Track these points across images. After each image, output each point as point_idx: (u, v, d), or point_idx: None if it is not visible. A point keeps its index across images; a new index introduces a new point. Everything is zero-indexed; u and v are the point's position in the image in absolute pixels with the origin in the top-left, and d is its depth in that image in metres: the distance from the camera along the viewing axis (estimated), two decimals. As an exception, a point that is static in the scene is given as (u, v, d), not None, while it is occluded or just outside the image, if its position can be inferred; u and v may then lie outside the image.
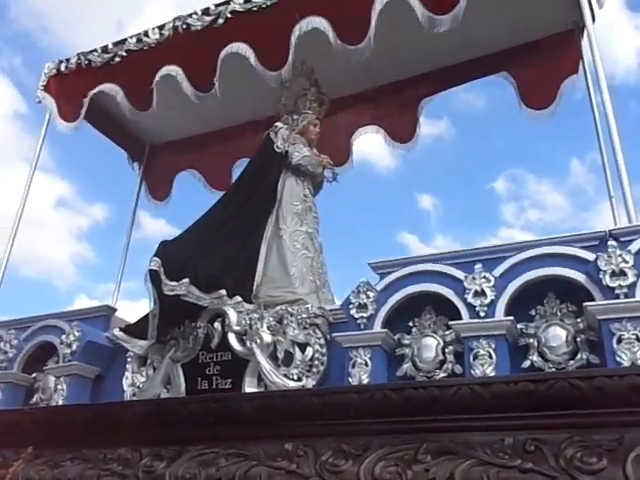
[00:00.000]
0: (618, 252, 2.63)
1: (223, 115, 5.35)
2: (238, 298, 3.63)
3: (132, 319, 4.04)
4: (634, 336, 2.47)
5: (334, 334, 3.21)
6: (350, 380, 2.99)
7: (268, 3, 4.20)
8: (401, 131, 5.13)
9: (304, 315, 3.42)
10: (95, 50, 4.81)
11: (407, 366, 3.04)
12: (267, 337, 3.44)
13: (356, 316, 3.10)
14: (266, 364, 3.36)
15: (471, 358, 2.79)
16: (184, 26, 4.46)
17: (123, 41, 4.71)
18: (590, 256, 2.73)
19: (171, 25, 4.52)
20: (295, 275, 3.88)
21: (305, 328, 3.40)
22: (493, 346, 2.77)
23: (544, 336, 2.80)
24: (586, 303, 2.64)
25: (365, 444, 2.52)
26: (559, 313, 2.84)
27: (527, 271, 2.86)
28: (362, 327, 3.08)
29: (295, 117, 4.43)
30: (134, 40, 4.65)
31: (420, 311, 3.13)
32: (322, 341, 3.34)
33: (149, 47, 4.57)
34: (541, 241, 2.95)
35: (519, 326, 2.87)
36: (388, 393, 2.51)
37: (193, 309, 3.62)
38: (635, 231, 2.77)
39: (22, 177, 4.94)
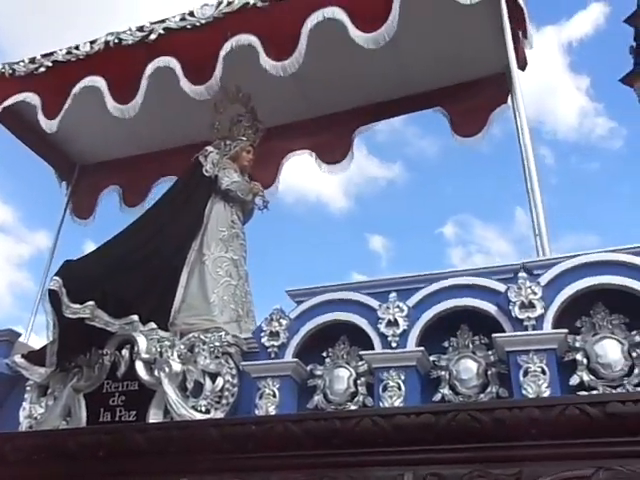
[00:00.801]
0: (528, 284, 2.61)
1: (157, 138, 5.25)
2: (152, 325, 3.45)
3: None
4: (540, 369, 2.43)
5: (243, 363, 3.07)
6: (257, 412, 2.83)
7: (203, 22, 4.16)
8: (334, 155, 5.11)
9: (217, 343, 3.27)
10: (22, 60, 4.66)
11: (318, 398, 2.91)
12: (177, 366, 3.26)
13: (267, 345, 2.97)
14: (173, 395, 3.17)
15: (380, 390, 2.69)
16: (116, 40, 4.37)
17: (52, 53, 4.59)
18: (501, 287, 2.71)
19: (103, 40, 4.43)
20: (215, 302, 3.73)
21: (217, 357, 3.24)
22: (403, 377, 2.69)
23: (455, 369, 2.72)
24: (495, 334, 2.60)
25: (263, 479, 2.37)
26: (471, 345, 2.78)
27: (440, 301, 2.81)
28: (273, 356, 2.95)
29: (228, 142, 4.36)
30: (63, 52, 4.52)
31: (335, 341, 3.02)
32: (234, 371, 3.18)
33: (77, 59, 4.45)
34: (456, 272, 2.92)
35: (432, 358, 2.79)
36: (288, 425, 2.39)
37: (100, 335, 3.41)
38: (547, 264, 2.77)
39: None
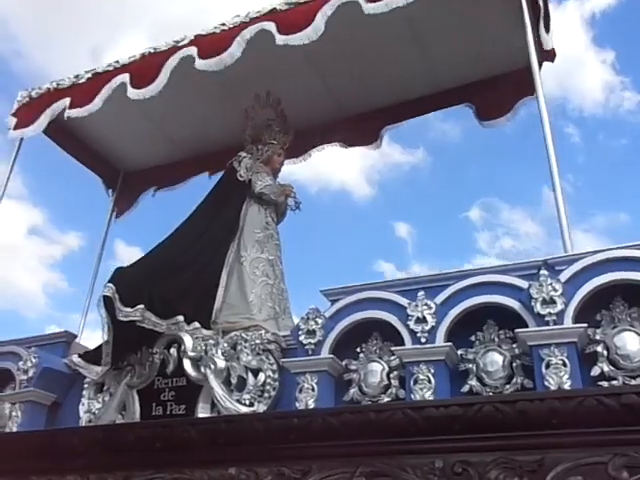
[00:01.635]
0: (549, 281, 2.75)
1: (197, 142, 5.47)
2: (196, 324, 3.69)
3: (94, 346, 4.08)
4: (561, 361, 2.57)
5: (283, 360, 3.28)
6: (297, 405, 3.05)
7: (230, 26, 4.32)
8: (361, 139, 5.25)
9: (257, 341, 3.49)
10: (68, 77, 4.93)
11: (354, 391, 3.11)
12: (221, 363, 3.49)
13: (304, 342, 3.18)
14: (219, 390, 3.41)
15: (412, 383, 2.87)
16: (151, 50, 4.57)
17: (94, 68, 4.84)
18: (524, 284, 2.85)
19: (142, 52, 4.65)
20: (254, 302, 3.96)
21: (258, 354, 3.46)
22: (432, 371, 2.86)
23: (482, 361, 2.89)
24: (518, 330, 2.74)
25: (304, 468, 2.59)
26: (497, 339, 2.94)
27: (467, 298, 2.96)
28: (310, 353, 3.16)
29: (260, 147, 4.55)
30: (104, 65, 4.77)
31: (368, 337, 3.21)
32: (274, 367, 3.40)
33: (114, 68, 4.68)
34: (481, 269, 3.07)
35: (459, 352, 2.96)
36: (327, 417, 2.59)
37: (149, 335, 3.67)
38: (568, 261, 2.89)
39: (-9, 206, 4.96)
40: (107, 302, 3.58)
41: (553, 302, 2.69)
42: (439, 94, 4.92)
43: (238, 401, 3.37)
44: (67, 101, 4.62)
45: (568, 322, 2.64)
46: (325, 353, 3.14)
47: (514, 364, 2.84)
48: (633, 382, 2.49)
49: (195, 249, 4.05)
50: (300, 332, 3.22)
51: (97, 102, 4.40)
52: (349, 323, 3.17)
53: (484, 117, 4.85)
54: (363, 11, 3.69)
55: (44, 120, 4.65)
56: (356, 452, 2.51)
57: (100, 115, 4.61)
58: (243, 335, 3.56)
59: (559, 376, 2.53)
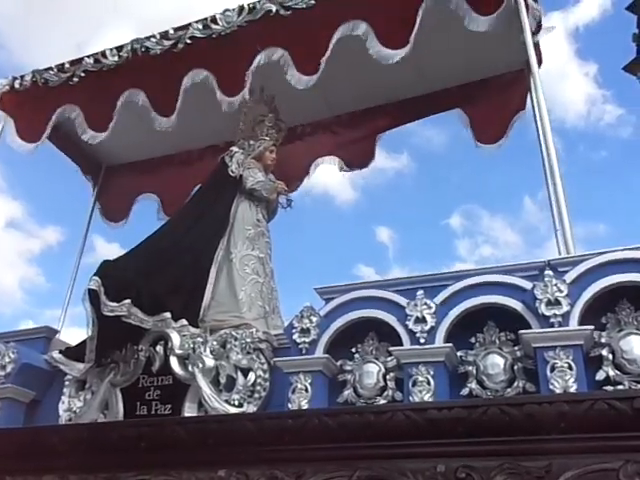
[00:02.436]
0: (554, 281, 2.68)
1: (182, 138, 5.33)
2: (184, 321, 3.56)
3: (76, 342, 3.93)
4: (566, 364, 2.50)
5: (276, 359, 3.17)
6: (290, 406, 2.93)
7: (228, 31, 4.25)
8: (357, 160, 5.20)
9: (248, 339, 3.37)
10: (51, 68, 4.76)
11: (348, 392, 3.00)
12: (210, 361, 3.37)
13: (298, 341, 3.07)
14: (207, 389, 3.29)
15: (410, 385, 2.78)
16: (142, 49, 4.47)
17: (80, 60, 4.68)
18: (527, 285, 2.77)
19: (129, 47, 4.53)
20: (243, 300, 3.84)
21: (249, 353, 3.35)
22: (432, 373, 2.77)
23: (482, 364, 2.80)
24: (522, 331, 2.67)
25: (298, 471, 2.49)
26: (498, 341, 2.85)
27: (467, 299, 2.88)
28: (304, 352, 3.05)
29: (252, 142, 4.44)
30: (91, 60, 4.63)
31: (363, 337, 3.11)
32: (265, 366, 3.29)
33: (108, 69, 4.56)
34: (482, 270, 2.99)
35: (459, 353, 2.87)
36: (323, 419, 2.49)
37: (135, 331, 3.53)
38: (572, 262, 2.83)
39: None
40: (92, 296, 3.43)
41: (558, 303, 2.62)
42: (432, 100, 4.88)
43: (227, 401, 3.25)
44: (77, 112, 4.51)
45: (574, 324, 2.57)
46: (320, 353, 3.03)
47: (515, 367, 2.76)
48: (640, 387, 2.42)
49: (184, 244, 3.92)
50: (294, 330, 3.11)
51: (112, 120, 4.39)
52: (345, 322, 3.06)
53: (481, 135, 4.80)
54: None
55: (49, 130, 4.58)
56: (353, 455, 2.41)
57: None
58: (233, 333, 3.44)
59: (564, 379, 2.46)
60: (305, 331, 3.08)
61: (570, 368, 2.49)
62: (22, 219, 13.80)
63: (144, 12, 13.49)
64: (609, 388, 2.48)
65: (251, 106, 4.53)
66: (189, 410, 3.29)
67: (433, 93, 4.84)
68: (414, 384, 2.77)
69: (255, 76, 4.06)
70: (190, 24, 4.41)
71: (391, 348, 2.92)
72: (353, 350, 3.10)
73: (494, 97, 4.70)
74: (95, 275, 3.48)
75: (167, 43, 4.44)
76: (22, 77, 4.91)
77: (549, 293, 2.65)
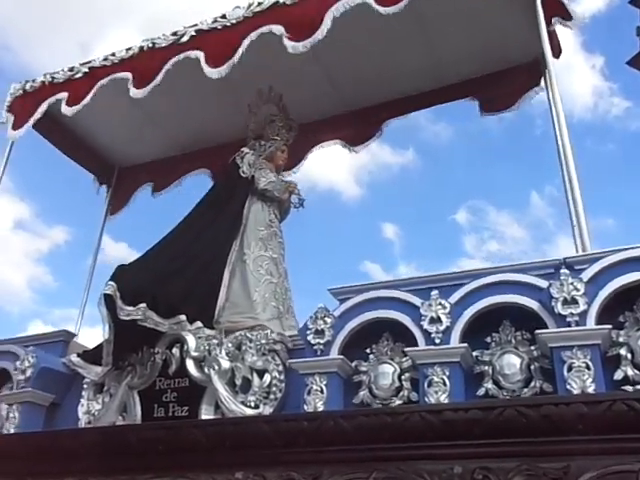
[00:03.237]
0: (570, 280, 2.65)
1: (194, 138, 5.37)
2: (199, 324, 3.58)
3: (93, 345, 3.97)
4: (584, 364, 2.47)
5: (290, 360, 3.17)
6: (305, 407, 2.94)
7: (233, 21, 4.22)
8: (357, 139, 5.13)
9: (263, 341, 3.38)
10: (62, 69, 4.81)
11: (364, 393, 3.00)
12: (225, 363, 3.38)
13: (313, 342, 3.07)
14: (223, 391, 3.30)
15: (425, 385, 2.77)
16: (150, 45, 4.46)
17: (90, 61, 4.73)
18: (543, 284, 2.74)
19: (138, 45, 4.54)
20: (257, 301, 3.85)
21: (264, 354, 3.36)
22: (447, 373, 2.75)
23: (498, 364, 2.78)
24: (538, 331, 2.64)
25: (315, 473, 2.49)
26: (514, 341, 2.83)
27: (483, 298, 2.86)
28: (319, 353, 3.05)
29: (263, 143, 4.44)
30: (100, 59, 4.65)
31: (378, 338, 3.11)
32: (280, 368, 3.29)
33: (112, 63, 4.57)
34: (497, 269, 2.97)
35: (474, 353, 2.85)
36: (339, 420, 2.49)
37: (151, 335, 3.56)
38: (588, 260, 2.79)
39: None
40: (108, 300, 3.46)
41: (575, 302, 2.59)
42: (443, 88, 4.83)
43: (243, 403, 3.26)
44: (63, 96, 4.51)
45: (591, 323, 2.54)
46: (334, 354, 3.03)
47: (532, 367, 2.74)
48: (659, 386, 2.39)
49: (197, 246, 3.94)
50: (308, 332, 3.11)
51: (92, 96, 4.31)
52: (359, 323, 3.06)
53: (488, 110, 4.76)
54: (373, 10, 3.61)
55: (37, 116, 4.55)
56: (370, 457, 2.41)
57: (93, 109, 4.51)
58: (248, 335, 3.45)
59: (582, 380, 2.43)
60: (320, 332, 3.08)
61: (588, 368, 2.46)
62: (29, 220, 13.89)
63: (148, 12, 13.52)
64: (628, 388, 2.45)
65: (260, 106, 4.54)
66: (206, 412, 3.31)
67: (445, 85, 4.80)
68: (430, 385, 2.76)
69: (258, 69, 4.00)
70: (202, 21, 4.41)
71: (406, 349, 2.91)
72: (367, 351, 3.10)
73: (506, 85, 4.64)
74: (110, 280, 3.51)
75: (172, 38, 4.43)
76: (34, 80, 4.96)
77: (565, 292, 2.62)
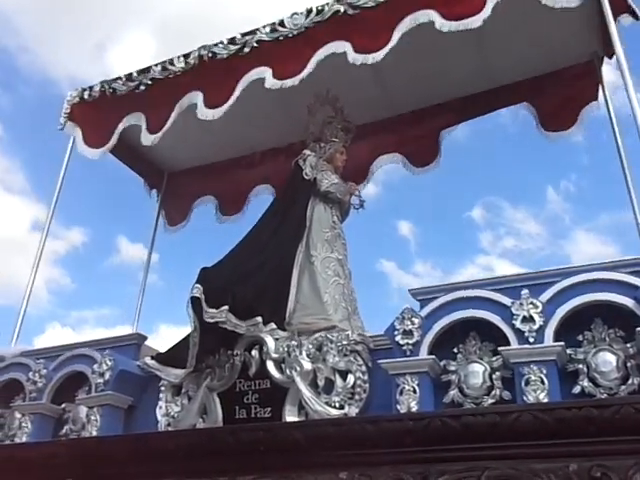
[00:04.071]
0: (667, 277, 2.66)
1: (242, 142, 5.40)
2: (272, 325, 3.62)
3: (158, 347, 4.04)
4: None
5: (380, 361, 3.20)
6: (398, 407, 2.97)
7: (295, 32, 4.25)
8: (422, 157, 5.19)
9: (344, 342, 3.41)
10: (119, 78, 4.81)
11: (454, 393, 3.02)
12: (307, 364, 3.42)
13: (401, 342, 3.10)
14: (307, 392, 3.34)
15: (522, 384, 2.79)
16: (210, 54, 4.50)
17: (148, 69, 4.74)
18: (638, 281, 2.76)
19: (197, 54, 4.56)
20: (328, 302, 3.88)
21: (346, 355, 3.39)
22: (545, 372, 2.77)
23: (594, 361, 2.80)
24: (639, 329, 2.66)
25: (424, 472, 2.51)
26: (607, 338, 2.85)
27: (575, 296, 2.88)
28: (408, 353, 3.08)
29: (322, 145, 4.47)
30: (159, 68, 4.67)
31: (464, 337, 3.13)
32: (364, 368, 3.33)
33: (174, 75, 4.60)
34: (586, 266, 2.98)
35: (568, 351, 2.87)
36: (446, 420, 2.51)
37: (229, 336, 3.60)
38: (680, 256, 2.81)
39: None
40: (194, 303, 3.50)
41: (676, 300, 2.60)
42: (497, 92, 4.84)
43: (327, 403, 3.29)
44: (142, 118, 4.53)
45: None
46: (424, 354, 3.06)
47: (628, 364, 2.75)
48: None
49: (267, 250, 3.98)
50: (396, 332, 3.13)
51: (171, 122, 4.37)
52: (448, 323, 3.08)
53: (547, 124, 4.74)
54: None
55: (115, 138, 4.61)
56: (481, 456, 2.43)
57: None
58: (328, 336, 3.48)
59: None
60: (408, 333, 3.11)
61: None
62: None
63: (163, 10, 13.55)
64: None
65: (318, 108, 4.56)
66: (289, 413, 3.35)
67: (499, 88, 4.82)
68: (527, 383, 2.78)
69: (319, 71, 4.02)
70: (258, 29, 4.43)
71: (500, 348, 2.93)
72: (455, 350, 3.12)
73: (563, 89, 4.65)
74: (197, 283, 3.55)
75: (234, 47, 4.46)
76: (91, 88, 5.00)
77: (664, 289, 2.64)
